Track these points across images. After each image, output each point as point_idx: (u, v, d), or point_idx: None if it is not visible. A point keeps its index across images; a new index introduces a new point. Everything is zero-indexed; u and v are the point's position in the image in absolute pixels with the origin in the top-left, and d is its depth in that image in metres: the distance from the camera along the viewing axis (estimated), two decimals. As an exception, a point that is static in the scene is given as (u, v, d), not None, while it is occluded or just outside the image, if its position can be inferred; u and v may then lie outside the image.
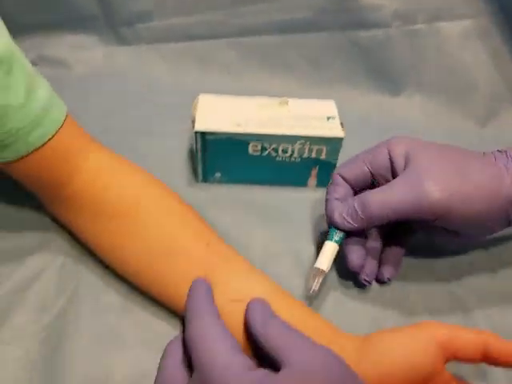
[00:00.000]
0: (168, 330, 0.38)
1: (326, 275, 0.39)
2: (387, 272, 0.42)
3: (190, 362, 0.30)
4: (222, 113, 0.48)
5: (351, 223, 0.38)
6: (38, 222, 0.45)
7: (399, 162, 0.38)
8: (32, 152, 0.35)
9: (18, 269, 0.41)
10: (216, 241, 0.39)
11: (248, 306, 0.33)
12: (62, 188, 0.38)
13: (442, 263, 0.46)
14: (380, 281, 0.43)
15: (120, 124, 0.59)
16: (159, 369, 0.32)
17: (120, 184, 0.39)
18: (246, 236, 0.46)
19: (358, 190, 0.41)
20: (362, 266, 0.41)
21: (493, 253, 0.47)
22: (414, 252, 0.46)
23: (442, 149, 0.39)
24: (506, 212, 0.36)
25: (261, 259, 0.40)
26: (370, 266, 0.42)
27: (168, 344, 0.33)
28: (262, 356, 0.31)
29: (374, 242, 0.43)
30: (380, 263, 0.43)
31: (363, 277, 0.41)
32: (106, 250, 0.39)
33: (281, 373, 0.27)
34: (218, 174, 0.51)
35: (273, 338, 0.30)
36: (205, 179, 0.52)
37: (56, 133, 0.36)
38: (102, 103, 0.64)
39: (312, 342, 0.29)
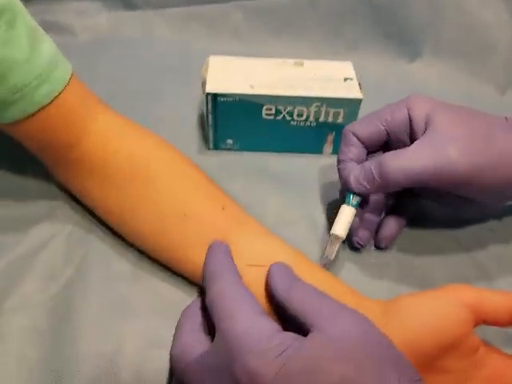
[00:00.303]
0: (182, 298, 0.36)
1: (342, 241, 0.37)
2: (384, 241, 0.40)
3: (210, 327, 0.29)
4: (234, 74, 0.46)
5: (367, 187, 0.36)
6: (45, 190, 0.44)
7: (419, 123, 0.36)
8: (38, 111, 0.33)
9: (24, 238, 0.40)
10: (231, 205, 0.37)
11: (270, 269, 0.32)
12: (70, 150, 0.37)
13: (463, 231, 0.44)
14: (378, 247, 0.42)
15: (127, 90, 0.57)
16: (175, 336, 0.31)
17: (130, 147, 0.37)
18: (259, 203, 0.44)
19: (370, 150, 0.39)
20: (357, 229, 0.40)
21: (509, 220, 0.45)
22: (430, 219, 0.44)
23: (465, 112, 0.36)
24: None
25: (274, 226, 0.38)
26: (365, 232, 0.40)
27: (184, 310, 0.33)
28: (286, 325, 0.29)
29: (374, 209, 0.40)
30: (380, 228, 0.41)
31: (356, 239, 0.40)
32: (116, 215, 0.38)
33: (310, 336, 0.26)
34: (229, 141, 0.49)
35: (299, 302, 0.29)
36: (216, 146, 0.50)
37: (63, 90, 0.34)
38: (108, 69, 0.61)
39: (341, 305, 0.28)
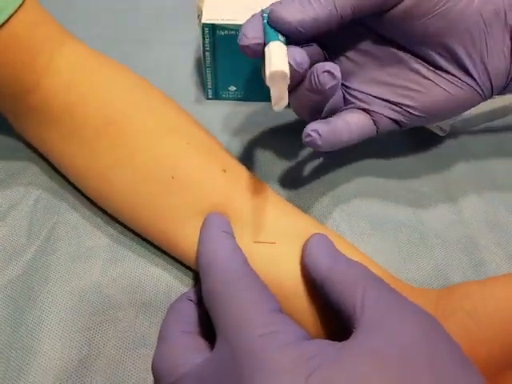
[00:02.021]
0: (170, 286, 0.30)
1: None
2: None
3: (208, 329, 0.23)
4: (235, 2, 0.37)
5: (301, 17, 0.24)
6: (6, 148, 0.36)
7: None
8: None
9: (-21, 207, 0.33)
10: (234, 166, 0.30)
11: (309, 242, 0.26)
12: (28, 95, 0.29)
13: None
14: None
15: (111, 33, 0.49)
16: (161, 339, 0.24)
17: (101, 92, 0.30)
18: (265, 163, 0.37)
19: None
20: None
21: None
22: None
23: None
24: None
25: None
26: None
27: (173, 303, 0.26)
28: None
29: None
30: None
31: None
32: (87, 178, 0.30)
33: (352, 342, 0.19)
34: (231, 88, 0.41)
35: (343, 283, 0.22)
36: (216, 95, 0.42)
37: (15, 13, 0.26)
38: (89, 8, 0.52)
39: (399, 296, 0.22)
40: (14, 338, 0.27)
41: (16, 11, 0.26)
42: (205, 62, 0.38)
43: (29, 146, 0.35)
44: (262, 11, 0.26)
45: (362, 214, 0.34)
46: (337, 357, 0.18)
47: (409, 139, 0.39)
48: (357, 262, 0.24)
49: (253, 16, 0.26)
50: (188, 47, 0.47)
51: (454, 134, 0.39)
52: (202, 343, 0.23)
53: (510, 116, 0.42)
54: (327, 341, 0.20)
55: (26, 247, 0.31)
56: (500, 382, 0.23)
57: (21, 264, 0.30)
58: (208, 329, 0.24)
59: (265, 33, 0.25)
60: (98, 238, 0.31)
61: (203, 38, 0.36)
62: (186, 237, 0.28)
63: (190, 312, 0.25)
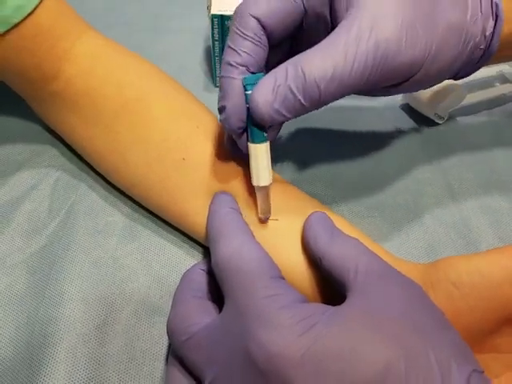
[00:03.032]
0: (182, 259, 0.31)
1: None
2: None
3: (216, 295, 0.25)
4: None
5: (286, 115, 0.24)
6: (28, 132, 0.38)
7: None
8: (9, 30, 0.28)
9: (2, 187, 0.34)
10: None
11: (309, 219, 0.27)
12: (50, 80, 0.31)
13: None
14: None
15: (122, 21, 0.50)
16: (174, 303, 0.26)
17: (119, 76, 0.31)
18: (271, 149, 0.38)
19: (273, 44, 0.26)
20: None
21: None
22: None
23: None
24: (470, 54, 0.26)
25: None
26: None
27: (185, 273, 0.27)
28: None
29: None
30: None
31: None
32: (104, 159, 0.32)
33: (346, 304, 0.21)
34: (240, 76, 0.42)
35: (339, 256, 0.24)
36: None
37: (38, 5, 0.28)
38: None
39: (389, 266, 0.23)
40: (37, 308, 0.28)
41: (41, 1, 0.28)
42: (213, 51, 0.40)
43: (48, 129, 0.37)
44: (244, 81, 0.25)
45: (360, 199, 0.35)
46: (330, 316, 0.20)
47: (408, 127, 0.41)
48: (353, 237, 0.25)
49: (231, 84, 0.25)
50: (199, 36, 0.48)
51: (451, 121, 0.41)
52: (211, 307, 0.25)
53: (509, 104, 0.43)
54: (324, 304, 0.22)
55: (48, 222, 0.32)
56: (481, 347, 0.25)
57: (44, 237, 0.32)
58: (217, 295, 0.26)
59: (247, 119, 0.25)
60: (114, 215, 0.33)
61: (212, 29, 0.38)
62: (196, 213, 0.29)
63: (201, 280, 0.26)
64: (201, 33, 0.49)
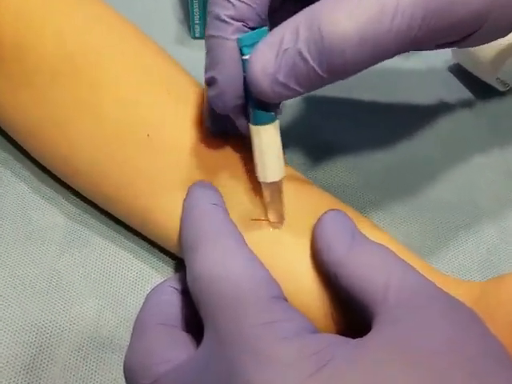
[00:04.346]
0: (145, 274, 0.31)
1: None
2: None
3: (194, 324, 0.24)
4: None
5: (296, 89, 0.23)
6: None
7: None
8: None
9: None
10: None
11: (322, 219, 0.26)
12: None
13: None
14: None
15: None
16: (135, 334, 0.25)
17: (59, 21, 0.30)
18: None
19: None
20: None
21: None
22: None
23: None
24: None
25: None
26: None
27: (149, 293, 0.26)
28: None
29: None
30: None
31: None
32: (42, 137, 0.31)
33: (370, 335, 0.20)
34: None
35: (363, 267, 0.23)
36: (203, 32, 0.41)
37: None
38: None
39: (429, 283, 0.22)
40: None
41: None
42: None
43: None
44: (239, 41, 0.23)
45: (393, 195, 0.35)
46: (350, 351, 0.18)
47: (458, 97, 0.40)
48: (381, 244, 0.24)
49: (222, 46, 0.24)
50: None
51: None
52: (186, 339, 0.23)
53: None
54: (340, 336, 0.20)
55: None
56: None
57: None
58: (194, 323, 0.24)
59: (245, 91, 0.24)
60: (52, 215, 0.32)
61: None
62: (166, 212, 0.28)
63: (172, 302, 0.25)
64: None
